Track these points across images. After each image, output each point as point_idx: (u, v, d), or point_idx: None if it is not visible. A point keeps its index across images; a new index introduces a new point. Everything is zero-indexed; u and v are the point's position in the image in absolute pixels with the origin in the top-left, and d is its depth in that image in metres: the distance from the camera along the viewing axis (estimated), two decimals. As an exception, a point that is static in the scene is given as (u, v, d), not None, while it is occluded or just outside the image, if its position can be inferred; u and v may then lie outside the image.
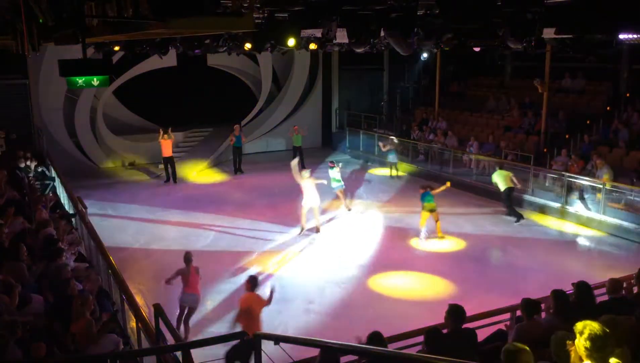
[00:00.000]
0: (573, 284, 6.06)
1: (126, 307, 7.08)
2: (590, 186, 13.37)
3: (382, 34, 7.63)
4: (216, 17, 5.49)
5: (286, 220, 13.64)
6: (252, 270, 10.57)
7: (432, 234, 12.36)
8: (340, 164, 14.25)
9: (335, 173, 14.00)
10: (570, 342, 3.53)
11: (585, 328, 3.19)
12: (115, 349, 6.20)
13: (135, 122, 21.66)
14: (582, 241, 12.60)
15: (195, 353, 5.19)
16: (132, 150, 20.28)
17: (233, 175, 18.71)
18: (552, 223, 13.62)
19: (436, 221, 12.20)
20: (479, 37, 8.87)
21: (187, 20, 5.29)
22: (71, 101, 19.32)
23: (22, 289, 6.07)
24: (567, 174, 13.75)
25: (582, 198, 13.44)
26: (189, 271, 8.09)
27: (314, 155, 20.31)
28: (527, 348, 3.41)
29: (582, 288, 5.85)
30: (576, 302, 5.74)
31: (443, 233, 12.47)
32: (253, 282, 7.23)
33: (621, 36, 8.77)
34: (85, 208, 11.39)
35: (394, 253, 11.70)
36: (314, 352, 5.31)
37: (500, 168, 13.94)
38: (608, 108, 17.10)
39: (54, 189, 13.89)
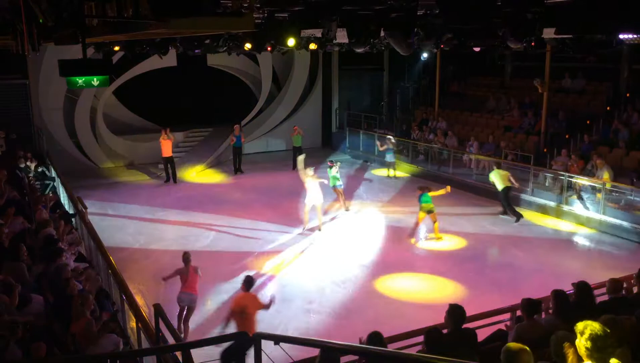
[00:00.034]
0: (573, 284, 6.07)
1: (126, 307, 7.08)
2: (590, 186, 13.37)
3: (382, 34, 7.62)
4: (216, 17, 5.49)
5: (286, 220, 13.65)
6: (252, 270, 10.57)
7: (429, 233, 12.36)
8: (338, 164, 14.22)
9: (333, 172, 14.00)
10: (567, 344, 3.53)
11: (586, 329, 3.19)
12: (115, 349, 6.20)
13: (135, 122, 21.65)
14: (581, 241, 12.61)
15: (195, 353, 5.19)
16: (132, 150, 20.27)
17: (233, 175, 18.71)
18: (551, 222, 13.62)
19: (434, 222, 12.17)
20: (479, 37, 8.88)
21: (187, 20, 5.28)
22: (71, 101, 19.32)
23: (22, 289, 6.07)
24: (567, 174, 13.76)
25: (580, 198, 13.45)
26: (187, 271, 8.11)
27: (314, 155, 20.26)
28: (527, 348, 3.41)
29: (582, 288, 5.85)
30: (576, 302, 5.74)
31: (443, 232, 12.48)
32: (248, 282, 7.23)
33: (621, 36, 8.78)
34: (85, 208, 11.39)
35: (394, 253, 11.70)
36: (314, 352, 5.30)
37: (498, 167, 13.95)
38: (608, 108, 17.10)
39: (54, 189, 13.89)
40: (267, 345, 4.88)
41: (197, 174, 18.93)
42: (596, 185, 13.11)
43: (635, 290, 6.83)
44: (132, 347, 6.88)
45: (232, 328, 7.02)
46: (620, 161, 14.48)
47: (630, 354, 3.41)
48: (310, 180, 12.74)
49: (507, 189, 13.57)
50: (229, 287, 9.94)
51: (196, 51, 14.27)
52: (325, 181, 13.47)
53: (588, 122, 16.65)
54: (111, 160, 20.00)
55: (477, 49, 13.28)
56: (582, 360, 3.30)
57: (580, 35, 8.65)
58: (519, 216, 13.54)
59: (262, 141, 22.61)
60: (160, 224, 13.56)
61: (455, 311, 5.16)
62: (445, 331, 5.21)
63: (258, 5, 7.51)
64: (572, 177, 13.67)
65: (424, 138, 19.27)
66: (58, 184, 13.98)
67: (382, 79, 24.57)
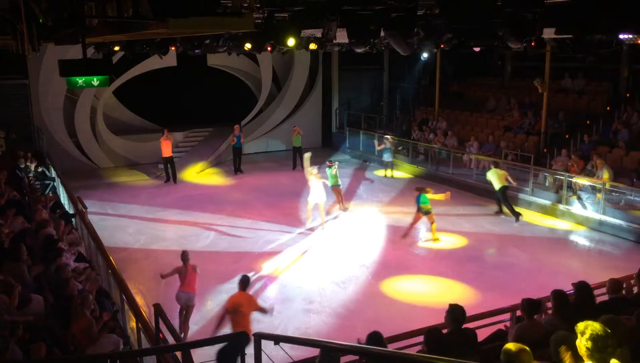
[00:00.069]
0: (573, 284, 6.07)
1: (126, 307, 7.08)
2: (590, 186, 13.37)
3: (382, 34, 7.62)
4: (216, 17, 5.48)
5: (286, 220, 13.65)
6: (252, 270, 10.58)
7: (427, 235, 12.36)
8: (336, 163, 14.22)
9: (333, 172, 14.00)
10: (564, 347, 3.53)
11: (587, 329, 3.19)
12: (115, 349, 6.20)
13: (135, 122, 21.65)
14: (581, 241, 12.61)
15: (195, 353, 5.20)
16: (132, 150, 20.28)
17: (233, 175, 18.71)
18: (552, 222, 13.62)
19: (431, 223, 12.10)
20: (479, 37, 8.86)
21: (187, 20, 5.27)
22: (71, 101, 19.33)
23: (22, 289, 6.07)
24: (567, 174, 13.77)
25: (580, 198, 13.45)
26: (186, 269, 8.13)
27: (314, 155, 20.24)
28: (527, 348, 3.41)
29: (582, 288, 5.85)
30: (576, 302, 5.74)
31: (443, 232, 12.48)
32: (244, 281, 7.24)
33: (621, 36, 8.79)
34: (85, 208, 11.39)
35: (394, 253, 11.70)
36: (314, 352, 5.30)
37: (495, 167, 13.96)
38: (608, 108, 17.10)
39: (54, 189, 13.91)
40: (267, 345, 4.88)
41: (197, 175, 18.94)
42: (596, 185, 13.11)
43: (635, 290, 6.82)
44: (132, 347, 6.88)
45: (226, 328, 7.03)
46: (620, 161, 14.48)
47: (629, 354, 3.41)
48: (314, 179, 12.80)
49: (504, 188, 13.60)
50: (229, 287, 9.91)
51: (196, 51, 14.26)
52: (328, 183, 13.49)
53: (588, 122, 16.65)
54: (111, 160, 20.00)
55: (477, 49, 13.27)
56: (580, 361, 3.30)
57: (580, 35, 8.63)
58: (518, 216, 13.55)
59: (262, 141, 22.62)
60: (160, 224, 13.56)
61: (455, 311, 5.16)
62: (445, 331, 5.21)
63: (258, 5, 7.51)
64: (571, 177, 13.68)
65: (424, 138, 19.28)
66: (58, 184, 13.99)
67: (382, 79, 24.57)
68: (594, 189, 13.30)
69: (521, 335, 5.03)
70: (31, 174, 14.02)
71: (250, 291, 9.54)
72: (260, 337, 4.92)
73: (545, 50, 14.55)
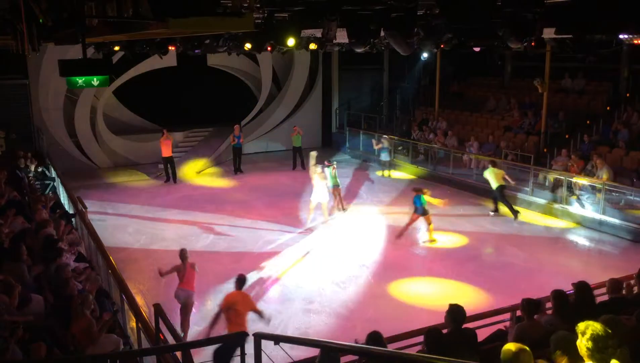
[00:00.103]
0: (573, 284, 6.07)
1: (126, 307, 7.08)
2: (590, 186, 13.37)
3: (382, 34, 7.62)
4: (216, 17, 5.48)
5: (286, 220, 13.65)
6: (252, 270, 10.58)
7: (425, 238, 12.32)
8: (334, 163, 14.21)
9: (332, 172, 14.00)
10: (559, 352, 3.54)
11: (588, 329, 3.19)
12: (115, 349, 6.20)
13: (135, 122, 21.65)
14: (581, 241, 12.61)
15: (195, 353, 5.19)
16: (132, 150, 20.28)
17: (233, 175, 18.71)
18: (551, 222, 13.62)
19: (429, 224, 12.05)
20: (479, 37, 8.86)
21: (187, 20, 5.27)
22: (71, 101, 19.33)
23: (22, 289, 6.07)
24: (567, 174, 13.77)
25: (580, 198, 13.45)
26: (184, 268, 8.15)
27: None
28: (527, 348, 3.41)
29: (582, 288, 5.85)
30: (576, 302, 5.74)
31: (443, 232, 12.48)
32: (240, 281, 7.25)
33: (621, 36, 8.78)
34: (85, 208, 11.40)
35: (394, 253, 11.70)
36: (314, 352, 5.30)
37: (493, 166, 13.98)
38: (608, 108, 17.10)
39: (54, 189, 13.91)
40: (267, 345, 4.88)
41: (197, 175, 18.94)
42: (596, 185, 13.11)
43: (635, 290, 6.82)
44: (132, 347, 6.88)
45: (221, 326, 7.04)
46: (620, 161, 14.48)
47: (629, 354, 3.40)
48: (318, 178, 12.83)
49: (501, 187, 13.64)
50: (229, 287, 9.85)
51: (196, 51, 14.27)
52: (330, 184, 13.50)
53: (588, 122, 16.66)
54: (111, 160, 20.00)
55: (477, 49, 13.27)
56: (579, 362, 3.29)
57: (580, 35, 8.63)
58: (516, 213, 13.61)
59: (262, 141, 22.61)
60: (160, 224, 13.56)
61: (455, 311, 5.16)
62: (445, 331, 5.21)
63: (258, 5, 7.51)
64: (571, 177, 13.68)
65: (424, 138, 19.28)
66: (58, 184, 14.00)
67: (382, 79, 24.57)
68: (593, 189, 13.30)
69: (521, 335, 5.03)
70: (31, 174, 14.03)
71: (251, 292, 9.57)
72: (260, 337, 4.92)
73: (545, 50, 14.55)
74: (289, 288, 10.05)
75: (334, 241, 12.41)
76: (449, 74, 22.19)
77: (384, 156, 18.18)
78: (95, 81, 6.61)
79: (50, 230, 8.64)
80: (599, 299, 6.22)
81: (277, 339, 4.98)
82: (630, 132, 15.16)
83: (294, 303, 9.42)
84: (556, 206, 13.87)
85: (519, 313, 6.17)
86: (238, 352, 5.57)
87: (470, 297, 9.41)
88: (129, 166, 19.83)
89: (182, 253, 8.25)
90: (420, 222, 12.22)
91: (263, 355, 4.87)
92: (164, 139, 17.34)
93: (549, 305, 5.98)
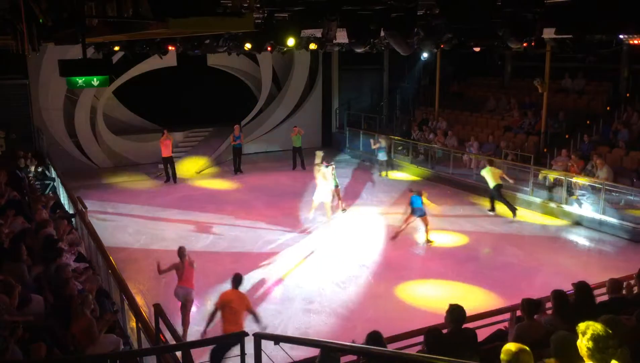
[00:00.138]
0: (573, 284, 6.07)
1: (126, 307, 7.08)
2: (590, 186, 13.37)
3: (382, 34, 7.62)
4: (216, 17, 5.49)
5: (286, 220, 13.65)
6: (252, 270, 10.58)
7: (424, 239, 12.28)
8: (333, 164, 14.21)
9: (331, 172, 13.99)
10: (552, 360, 3.54)
11: (588, 329, 3.19)
12: (115, 349, 6.20)
13: (135, 122, 21.65)
14: (581, 241, 12.60)
15: (195, 353, 5.20)
16: (132, 150, 20.27)
17: (233, 175, 18.71)
18: (551, 222, 13.62)
19: (426, 225, 11.98)
20: (479, 37, 8.86)
21: (187, 20, 5.27)
22: (71, 101, 19.33)
23: (22, 289, 6.07)
24: (567, 174, 13.78)
25: (580, 198, 13.45)
26: (183, 265, 8.17)
27: (313, 155, 20.27)
28: (527, 348, 3.41)
29: (582, 288, 5.85)
30: (576, 302, 5.74)
31: (443, 232, 12.47)
32: (236, 280, 7.26)
33: (621, 36, 8.79)
34: (85, 208, 11.40)
35: (393, 253, 11.69)
36: (314, 352, 5.30)
37: (490, 165, 14.00)
38: (608, 108, 17.10)
39: (54, 189, 13.91)
40: (267, 345, 4.88)
41: (197, 175, 18.94)
42: (596, 185, 13.11)
43: (635, 290, 6.82)
44: (132, 347, 6.89)
45: (218, 325, 7.06)
46: (620, 161, 14.48)
47: (629, 354, 3.40)
48: (321, 178, 12.89)
49: (498, 186, 13.68)
50: (229, 287, 9.91)
51: (196, 51, 14.27)
52: (333, 185, 13.51)
53: (588, 122, 16.66)
54: (111, 160, 20.00)
55: (477, 49, 13.27)
56: (579, 362, 3.30)
57: (580, 35, 8.63)
58: (514, 211, 13.65)
59: (262, 141, 22.61)
60: (160, 224, 13.55)
61: (455, 311, 5.16)
62: (445, 331, 5.21)
63: (258, 5, 7.51)
64: (571, 177, 13.69)
65: (424, 138, 19.28)
66: (58, 184, 14.00)
67: (382, 79, 24.57)
68: (593, 189, 13.30)
69: (521, 335, 5.03)
70: (31, 174, 14.03)
71: (251, 292, 9.58)
72: (260, 337, 4.92)
73: (545, 50, 14.55)
74: (289, 288, 10.06)
75: (334, 241, 12.41)
76: (449, 74, 22.20)
77: (381, 156, 18.20)
78: (95, 81, 6.61)
79: (50, 230, 8.64)
80: (599, 299, 6.22)
81: (277, 339, 4.98)
82: (630, 132, 15.16)
83: (294, 303, 9.42)
84: (556, 205, 13.87)
85: (519, 313, 6.17)
86: (234, 351, 5.59)
87: (470, 297, 9.41)
88: (129, 166, 19.83)
89: (181, 251, 8.29)
90: (418, 222, 12.17)
91: (263, 355, 4.87)
92: (164, 139, 17.34)
93: (549, 305, 5.98)
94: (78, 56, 6.84)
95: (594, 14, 5.85)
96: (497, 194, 13.86)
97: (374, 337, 4.94)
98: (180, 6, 5.08)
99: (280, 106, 22.88)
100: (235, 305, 6.98)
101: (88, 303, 6.24)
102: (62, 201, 12.71)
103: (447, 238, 12.46)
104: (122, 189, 17.07)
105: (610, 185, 12.96)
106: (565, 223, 13.50)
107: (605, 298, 6.29)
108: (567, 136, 16.32)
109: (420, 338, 5.46)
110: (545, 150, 16.18)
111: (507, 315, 6.68)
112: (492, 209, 14.13)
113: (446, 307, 5.26)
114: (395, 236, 12.16)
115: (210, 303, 9.33)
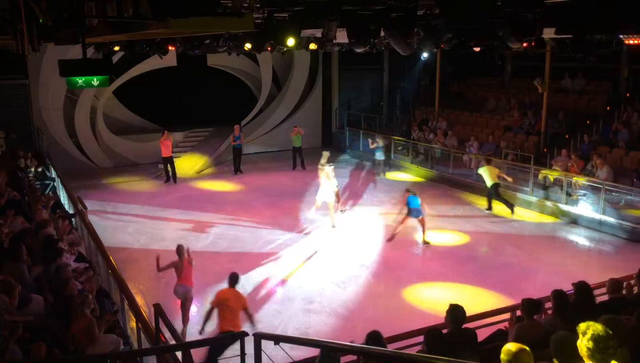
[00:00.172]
0: (573, 284, 6.07)
1: (126, 307, 7.09)
2: (590, 186, 13.37)
3: (382, 34, 7.62)
4: (216, 17, 5.49)
5: (286, 220, 13.65)
6: (252, 270, 10.59)
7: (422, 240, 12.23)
8: (332, 164, 14.19)
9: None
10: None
11: (589, 329, 3.19)
12: (115, 349, 6.20)
13: (135, 122, 21.65)
14: (581, 241, 12.60)
15: (195, 352, 5.19)
16: (132, 150, 20.27)
17: (233, 175, 18.71)
18: (551, 222, 13.62)
19: (423, 226, 11.89)
20: (479, 37, 8.86)
21: (187, 20, 5.28)
22: (71, 101, 19.33)
23: (22, 289, 6.07)
24: (566, 174, 13.78)
25: (579, 198, 13.45)
26: (181, 263, 8.18)
27: (313, 155, 20.27)
28: (527, 348, 3.41)
29: (582, 288, 5.85)
30: (576, 302, 5.74)
31: (443, 231, 12.47)
32: (233, 278, 7.28)
33: (621, 36, 8.79)
34: (85, 208, 11.40)
35: (393, 253, 11.69)
36: (314, 352, 5.30)
37: (488, 163, 14.00)
38: (608, 108, 17.11)
39: (54, 189, 13.91)
40: (267, 345, 4.88)
41: (197, 174, 18.94)
42: (596, 185, 13.11)
43: (635, 290, 6.82)
44: (132, 347, 6.89)
45: (212, 322, 7.08)
46: (620, 161, 14.48)
47: (629, 355, 3.41)
48: (325, 178, 12.90)
49: (495, 185, 13.70)
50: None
51: (196, 51, 14.27)
52: (337, 185, 13.50)
53: (588, 122, 16.66)
54: (111, 160, 20.00)
55: (477, 49, 13.28)
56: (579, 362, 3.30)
57: (580, 35, 8.63)
58: (512, 207, 13.71)
59: (262, 141, 22.60)
60: (160, 224, 13.55)
61: (455, 311, 5.16)
62: (445, 331, 5.21)
63: (258, 5, 7.51)
64: (571, 177, 13.69)
65: (424, 138, 19.28)
66: (58, 184, 14.00)
67: (382, 79, 24.57)
68: (593, 189, 13.30)
69: (521, 335, 5.03)
70: (31, 174, 14.03)
71: (251, 292, 9.59)
72: (260, 337, 4.92)
73: (545, 50, 14.56)
74: (289, 288, 10.06)
75: (334, 241, 12.40)
76: (449, 74, 22.20)
77: (379, 155, 18.21)
78: (95, 81, 6.61)
79: (50, 230, 8.64)
80: (599, 299, 6.22)
81: (277, 339, 4.98)
82: (630, 132, 15.16)
83: (294, 303, 9.42)
84: (556, 205, 13.87)
85: (519, 313, 6.18)
86: (232, 350, 5.58)
87: (470, 297, 9.41)
88: (129, 166, 19.82)
89: (179, 249, 8.30)
90: (416, 223, 12.11)
91: (263, 355, 4.87)
92: (164, 139, 17.34)
93: (549, 305, 5.98)
94: (78, 56, 6.85)
95: (594, 14, 5.85)
96: (494, 193, 13.89)
97: (374, 337, 4.94)
98: (180, 6, 5.09)
99: (280, 106, 22.87)
100: (231, 304, 7.00)
101: (88, 303, 6.24)
102: (62, 201, 12.71)
103: (447, 238, 12.47)
104: (122, 189, 17.06)
105: (610, 185, 12.96)
106: (565, 223, 13.50)
107: (605, 298, 6.28)
108: (567, 136, 16.32)
109: (420, 338, 5.46)
110: (545, 150, 16.18)
111: (507, 315, 6.68)
112: (489, 208, 14.16)
113: (446, 307, 5.26)
114: (392, 238, 12.08)
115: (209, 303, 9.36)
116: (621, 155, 14.59)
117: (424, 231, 11.94)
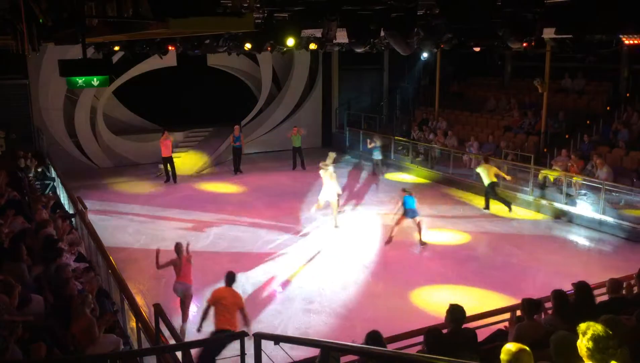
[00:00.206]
0: (573, 284, 6.07)
1: (126, 307, 7.09)
2: (590, 186, 13.37)
3: (382, 34, 7.62)
4: (216, 17, 5.49)
5: (286, 220, 13.65)
6: (252, 270, 10.59)
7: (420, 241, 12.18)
8: (331, 166, 14.18)
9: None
10: None
11: (589, 329, 3.19)
12: (115, 349, 6.20)
13: (135, 122, 21.65)
14: (581, 241, 12.60)
15: (194, 351, 5.19)
16: (132, 150, 20.27)
17: (233, 175, 18.71)
18: (551, 222, 13.62)
19: (419, 227, 11.82)
20: (479, 37, 8.86)
21: (187, 20, 5.28)
22: (71, 101, 19.33)
23: (22, 289, 6.07)
24: (566, 174, 13.78)
25: (579, 198, 13.45)
26: (180, 261, 8.19)
27: (313, 155, 20.28)
28: (527, 348, 3.41)
29: (582, 288, 5.85)
30: (576, 302, 5.74)
31: (443, 231, 12.46)
32: (229, 277, 7.29)
33: (621, 36, 8.78)
34: (85, 208, 11.40)
35: (393, 253, 11.69)
36: (314, 352, 5.30)
37: (486, 162, 14.00)
38: (608, 108, 17.11)
39: (54, 189, 13.91)
40: (267, 345, 4.88)
41: (197, 175, 18.94)
42: (596, 185, 13.11)
43: (635, 290, 6.82)
44: (132, 347, 6.89)
45: (209, 321, 7.08)
46: (620, 161, 14.48)
47: (629, 355, 3.41)
48: (328, 178, 12.93)
49: (493, 184, 13.73)
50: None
51: (196, 51, 14.27)
52: (339, 188, 13.50)
53: (588, 122, 16.66)
54: (111, 160, 20.00)
55: (477, 49, 13.28)
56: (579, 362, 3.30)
57: (580, 35, 8.63)
58: (509, 205, 13.73)
59: (262, 141, 22.60)
60: (160, 224, 13.55)
61: (455, 311, 5.16)
62: (445, 331, 5.21)
63: (258, 5, 7.51)
64: (571, 177, 13.70)
65: (424, 138, 19.28)
66: (58, 184, 14.00)
67: (382, 79, 24.57)
68: (593, 189, 13.30)
69: (521, 335, 5.03)
70: (31, 174, 14.03)
71: (251, 292, 9.60)
72: (260, 337, 4.92)
73: (545, 50, 14.56)
74: (289, 288, 10.06)
75: (334, 242, 12.40)
76: (449, 74, 22.20)
77: (376, 155, 18.20)
78: (95, 81, 6.62)
79: (50, 230, 8.64)
80: (599, 299, 6.22)
81: (277, 339, 4.98)
82: (630, 132, 15.16)
83: (294, 303, 9.42)
84: (556, 205, 13.87)
85: (519, 313, 6.18)
86: (231, 350, 5.58)
87: (470, 297, 9.41)
88: (129, 166, 19.82)
89: (177, 247, 8.31)
90: (412, 224, 12.04)
91: (263, 355, 4.87)
92: (164, 139, 17.34)
93: (548, 305, 5.98)
94: (78, 56, 6.85)
95: (594, 14, 5.85)
96: (491, 191, 13.90)
97: (374, 337, 4.94)
98: (180, 6, 5.09)
99: (280, 106, 22.87)
100: (227, 303, 7.00)
101: (88, 303, 6.24)
102: (62, 201, 12.71)
103: (447, 238, 12.46)
104: (122, 189, 17.06)
105: (610, 185, 12.96)
106: (565, 223, 13.49)
107: (605, 298, 6.28)
108: (567, 136, 16.32)
109: (420, 338, 5.46)
110: (545, 150, 16.18)
111: (507, 315, 6.68)
112: (487, 207, 14.16)
113: (446, 307, 5.26)
114: (389, 240, 11.96)
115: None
116: (621, 155, 14.59)
117: (420, 231, 11.89)
